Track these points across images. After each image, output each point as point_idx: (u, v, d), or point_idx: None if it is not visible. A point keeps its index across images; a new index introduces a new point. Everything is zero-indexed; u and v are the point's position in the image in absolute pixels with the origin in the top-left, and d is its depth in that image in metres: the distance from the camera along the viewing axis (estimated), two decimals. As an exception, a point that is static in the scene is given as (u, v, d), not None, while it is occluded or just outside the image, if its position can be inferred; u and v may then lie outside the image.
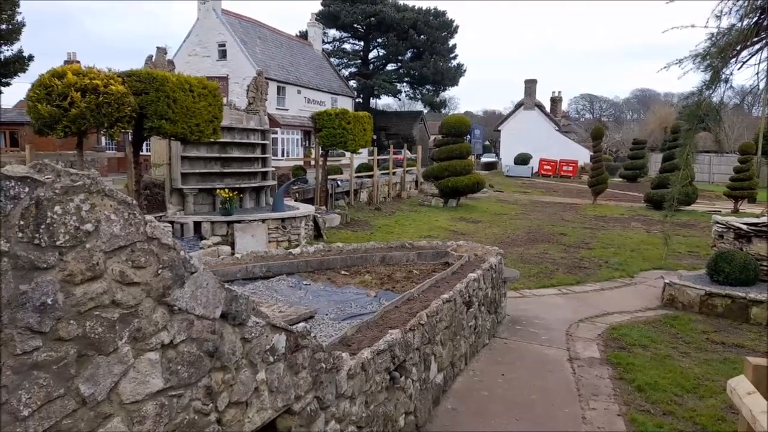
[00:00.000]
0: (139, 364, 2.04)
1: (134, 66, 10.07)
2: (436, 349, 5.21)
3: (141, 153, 10.56)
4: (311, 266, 7.29)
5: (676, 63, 3.66)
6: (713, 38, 3.48)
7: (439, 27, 47.53)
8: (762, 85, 4.40)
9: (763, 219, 10.94)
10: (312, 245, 8.33)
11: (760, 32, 3.32)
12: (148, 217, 2.13)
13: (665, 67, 3.97)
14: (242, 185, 12.96)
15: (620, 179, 38.32)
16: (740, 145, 25.37)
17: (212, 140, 11.30)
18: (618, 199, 27.63)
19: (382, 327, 4.73)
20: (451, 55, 49.26)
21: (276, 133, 28.94)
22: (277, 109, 30.89)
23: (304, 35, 43.18)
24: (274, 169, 15.15)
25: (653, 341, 7.39)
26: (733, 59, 3.46)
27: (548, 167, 42.38)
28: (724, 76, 3.50)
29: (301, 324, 3.27)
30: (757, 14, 3.25)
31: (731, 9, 3.33)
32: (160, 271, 2.12)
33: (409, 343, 4.53)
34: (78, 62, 24.83)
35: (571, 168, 41.92)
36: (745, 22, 3.30)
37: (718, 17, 3.40)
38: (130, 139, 10.71)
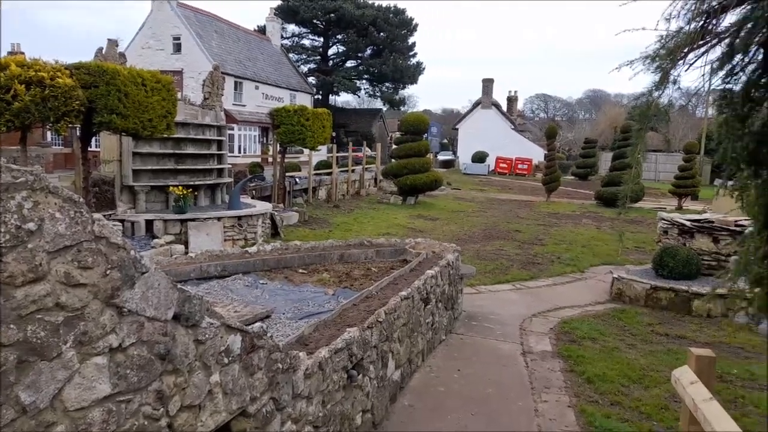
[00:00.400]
0: (84, 369, 1.97)
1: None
2: (394, 346, 5.24)
3: (90, 149, 10.17)
4: (268, 265, 7.20)
5: (627, 64, 3.79)
6: (663, 40, 3.61)
7: (399, 25, 47.71)
8: (708, 86, 4.63)
9: (705, 216, 11.49)
10: (269, 243, 8.23)
11: (705, 36, 3.47)
12: (96, 215, 2.06)
13: (617, 68, 4.11)
14: (197, 182, 12.67)
15: (572, 177, 39.45)
16: (685, 145, 26.56)
17: (166, 136, 11.01)
18: (570, 197, 28.43)
19: (340, 325, 4.72)
20: (411, 53, 49.54)
21: (233, 129, 28.41)
22: (233, 104, 30.32)
23: (262, 30, 42.53)
24: (230, 166, 14.87)
25: (602, 334, 7.65)
26: (681, 61, 3.61)
27: (504, 165, 43.21)
28: (672, 78, 3.65)
29: (257, 324, 3.23)
30: (704, 18, 3.39)
31: (680, 12, 3.47)
32: (108, 272, 2.05)
33: (367, 341, 4.54)
34: (22, 53, 23.63)
35: (526, 166, 42.88)
36: (692, 26, 3.44)
37: (668, 20, 3.53)
38: (77, 134, 10.28)
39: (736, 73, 4.28)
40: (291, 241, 9.48)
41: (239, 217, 12.15)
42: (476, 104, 49.20)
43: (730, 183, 4.66)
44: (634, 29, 4.08)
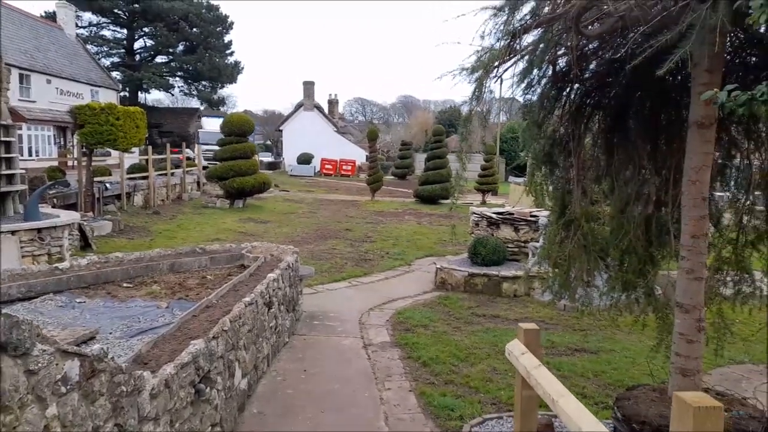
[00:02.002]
0: None
1: None
2: (240, 354, 5.10)
3: None
4: (85, 281, 6.45)
5: (449, 74, 4.22)
6: (478, 54, 4.10)
7: (213, 21, 45.76)
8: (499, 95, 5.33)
9: (506, 208, 13.13)
10: (84, 257, 7.34)
11: (511, 53, 4.02)
12: None
13: (439, 77, 4.54)
14: (-20, 191, 10.73)
15: (392, 177, 41.76)
16: (485, 147, 29.85)
17: (-66, 136, 9.13)
18: (392, 195, 30.11)
19: (181, 339, 4.46)
20: (228, 51, 47.85)
21: (21, 129, 24.49)
22: (20, 100, 26.16)
23: (51, 17, 37.31)
24: (23, 171, 12.85)
25: (432, 320, 8.31)
26: (493, 73, 4.12)
27: (329, 166, 44.05)
28: (487, 88, 4.15)
29: (97, 346, 2.92)
30: (510, 37, 3.92)
31: (491, 31, 3.98)
32: None
33: (214, 351, 4.35)
34: None
35: (350, 167, 44.22)
36: (501, 43, 3.97)
37: (482, 37, 4.02)
38: None
39: (534, 86, 5.04)
40: (105, 253, 8.57)
41: (40, 230, 10.58)
42: (299, 106, 49.25)
43: (532, 180, 5.45)
44: (452, 43, 4.57)
